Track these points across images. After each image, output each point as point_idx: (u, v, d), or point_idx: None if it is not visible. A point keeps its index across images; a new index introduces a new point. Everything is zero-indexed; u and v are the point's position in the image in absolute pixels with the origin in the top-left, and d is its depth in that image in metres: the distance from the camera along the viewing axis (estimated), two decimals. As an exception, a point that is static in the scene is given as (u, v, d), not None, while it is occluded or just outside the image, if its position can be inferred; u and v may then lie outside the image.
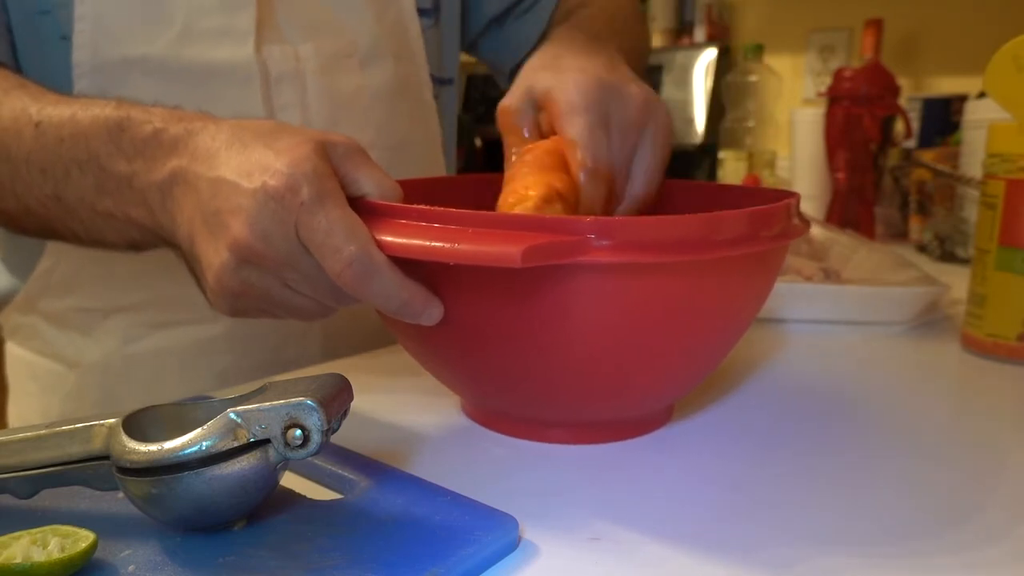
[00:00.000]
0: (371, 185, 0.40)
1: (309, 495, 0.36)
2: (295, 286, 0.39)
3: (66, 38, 0.56)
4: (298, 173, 0.36)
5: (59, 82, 0.55)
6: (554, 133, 0.48)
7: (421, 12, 0.69)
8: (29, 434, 0.34)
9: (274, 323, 0.63)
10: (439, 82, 0.74)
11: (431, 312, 0.39)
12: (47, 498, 0.35)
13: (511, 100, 0.51)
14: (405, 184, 0.43)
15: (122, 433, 0.32)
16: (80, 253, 0.59)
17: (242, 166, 0.37)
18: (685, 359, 0.43)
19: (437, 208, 0.37)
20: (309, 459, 0.34)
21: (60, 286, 0.63)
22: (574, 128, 0.46)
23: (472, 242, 0.35)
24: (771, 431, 0.47)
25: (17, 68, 0.57)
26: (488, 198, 0.50)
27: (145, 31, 0.56)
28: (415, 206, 0.38)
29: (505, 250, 0.33)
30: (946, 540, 0.35)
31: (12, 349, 0.71)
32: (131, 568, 0.30)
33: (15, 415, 0.72)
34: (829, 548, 0.34)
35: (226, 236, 0.37)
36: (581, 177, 0.45)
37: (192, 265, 0.42)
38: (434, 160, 0.73)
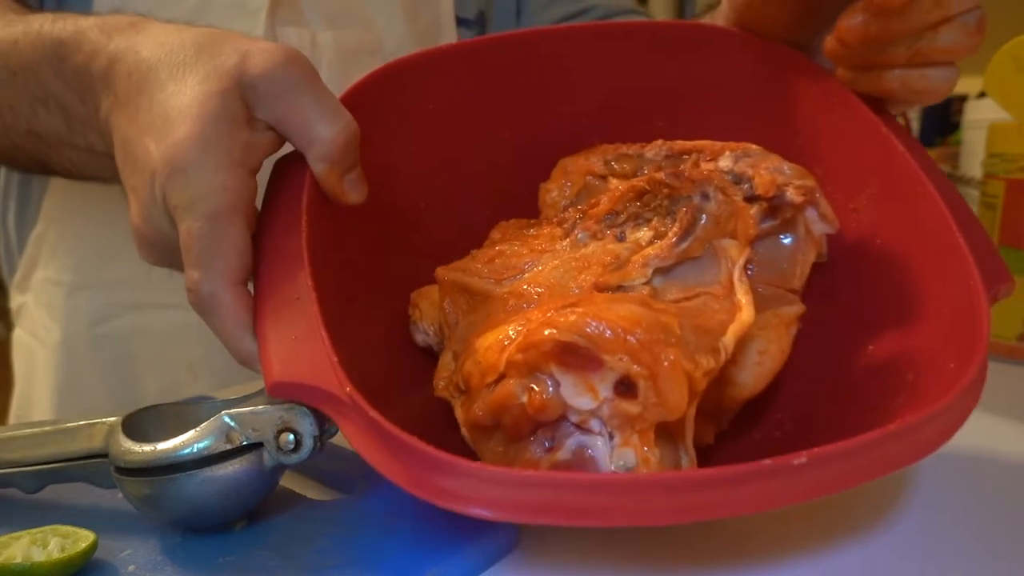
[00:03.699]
0: (311, 124, 0.34)
1: (309, 495, 0.36)
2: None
3: None
4: (174, 171, 0.32)
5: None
6: None
7: (461, 22, 0.68)
8: (35, 430, 0.35)
9: None
10: None
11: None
12: (48, 496, 0.36)
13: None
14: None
15: (120, 432, 0.32)
16: (69, 220, 0.58)
17: (145, 131, 0.34)
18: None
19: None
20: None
21: (48, 255, 0.62)
22: None
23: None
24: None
25: None
26: None
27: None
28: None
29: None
30: (946, 539, 0.35)
31: (19, 335, 0.69)
32: (131, 568, 0.30)
33: (16, 404, 0.71)
34: (828, 546, 0.34)
35: (131, 201, 0.35)
36: None
37: None
38: None
